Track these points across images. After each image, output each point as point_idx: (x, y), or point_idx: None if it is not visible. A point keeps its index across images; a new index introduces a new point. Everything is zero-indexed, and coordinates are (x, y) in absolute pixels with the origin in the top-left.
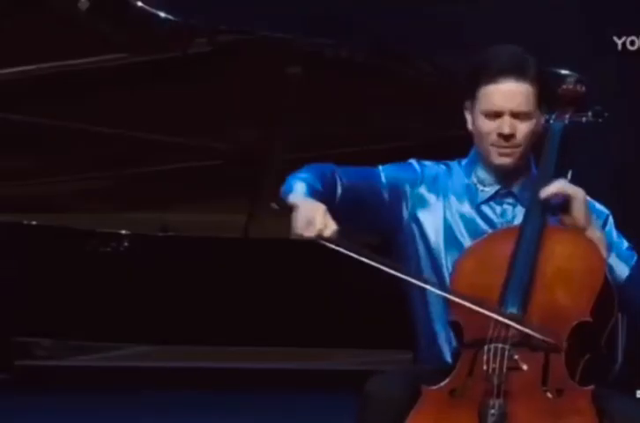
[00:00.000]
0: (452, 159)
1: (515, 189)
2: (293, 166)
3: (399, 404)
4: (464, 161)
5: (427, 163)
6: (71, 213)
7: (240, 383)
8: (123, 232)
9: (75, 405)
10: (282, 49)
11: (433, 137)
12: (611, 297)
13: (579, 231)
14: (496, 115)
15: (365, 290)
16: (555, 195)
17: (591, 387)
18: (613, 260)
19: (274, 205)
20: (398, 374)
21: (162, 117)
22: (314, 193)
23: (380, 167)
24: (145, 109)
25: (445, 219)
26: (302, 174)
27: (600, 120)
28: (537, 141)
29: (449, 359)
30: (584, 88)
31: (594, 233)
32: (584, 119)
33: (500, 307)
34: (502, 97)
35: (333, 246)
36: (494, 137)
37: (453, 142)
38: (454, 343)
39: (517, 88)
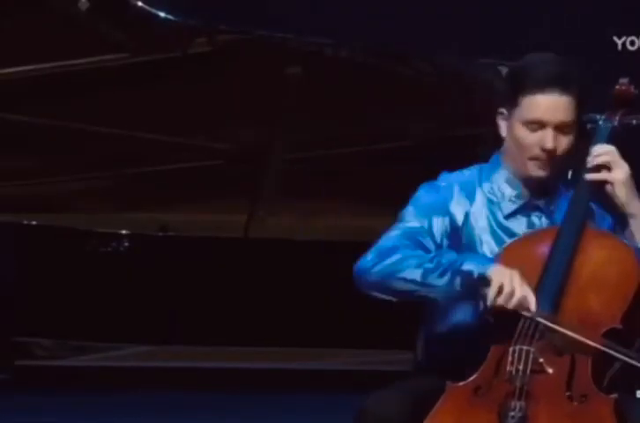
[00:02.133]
0: (452, 159)
1: (540, 202)
2: (294, 167)
3: (397, 421)
4: (485, 167)
5: (452, 176)
6: (71, 213)
7: (240, 383)
8: (123, 232)
9: (75, 405)
10: (282, 49)
11: (433, 137)
12: None
13: (617, 236)
14: (540, 126)
15: None
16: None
17: (615, 395)
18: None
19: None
20: (395, 391)
21: (162, 117)
22: None
23: (415, 225)
24: (144, 109)
25: (475, 231)
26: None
27: None
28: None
29: (446, 363)
30: (637, 89)
31: (638, 209)
32: (634, 121)
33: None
34: (549, 108)
35: (535, 318)
36: (535, 151)
37: (453, 142)
38: (454, 349)
39: (563, 100)
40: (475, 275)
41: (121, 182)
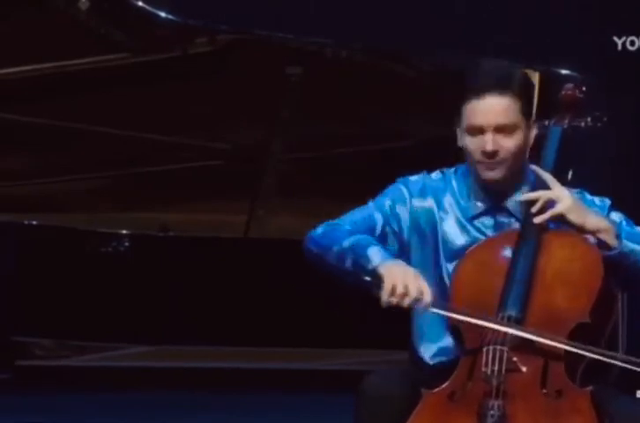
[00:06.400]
0: (452, 158)
1: (508, 203)
2: (294, 167)
3: (395, 402)
4: (460, 169)
5: (412, 178)
6: (71, 213)
7: (240, 383)
8: (123, 232)
9: (75, 405)
10: (282, 49)
11: (433, 137)
12: (611, 298)
13: (577, 234)
14: (480, 131)
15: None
16: (537, 202)
17: (590, 387)
18: (627, 246)
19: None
20: (393, 372)
21: (162, 117)
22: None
23: (372, 207)
24: (145, 109)
25: (442, 227)
26: (356, 237)
27: (599, 124)
28: (535, 147)
29: (428, 360)
30: (582, 94)
31: (599, 225)
32: (582, 124)
33: (499, 310)
34: (485, 112)
35: (430, 310)
36: (478, 155)
37: (453, 142)
38: (440, 344)
39: (500, 102)
40: (370, 267)
41: (121, 182)
